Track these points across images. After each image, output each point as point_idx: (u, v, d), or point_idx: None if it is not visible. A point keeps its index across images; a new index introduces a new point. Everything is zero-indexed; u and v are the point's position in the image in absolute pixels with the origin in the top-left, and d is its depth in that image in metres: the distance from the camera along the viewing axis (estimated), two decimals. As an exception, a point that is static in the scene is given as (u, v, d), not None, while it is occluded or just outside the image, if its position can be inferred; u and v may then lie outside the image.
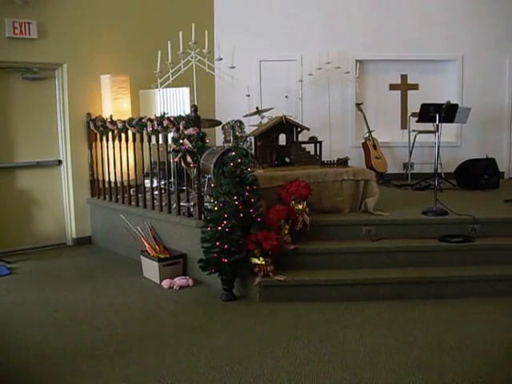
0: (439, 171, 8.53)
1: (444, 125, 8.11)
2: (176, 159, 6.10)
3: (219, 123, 8.14)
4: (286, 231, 5.78)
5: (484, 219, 6.25)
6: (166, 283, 5.99)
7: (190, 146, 5.88)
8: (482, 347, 4.35)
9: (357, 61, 9.99)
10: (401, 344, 4.43)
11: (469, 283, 5.59)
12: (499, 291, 5.54)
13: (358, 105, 9.95)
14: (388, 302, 5.38)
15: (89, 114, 7.85)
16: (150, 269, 6.27)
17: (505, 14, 10.08)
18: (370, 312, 5.14)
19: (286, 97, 9.49)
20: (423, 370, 3.98)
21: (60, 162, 7.89)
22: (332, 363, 4.11)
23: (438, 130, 6.74)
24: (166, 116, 6.32)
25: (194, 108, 5.97)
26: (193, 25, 7.19)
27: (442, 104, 6.95)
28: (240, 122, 8.22)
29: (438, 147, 6.81)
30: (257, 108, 8.38)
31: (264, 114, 8.30)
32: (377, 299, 5.43)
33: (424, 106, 7.78)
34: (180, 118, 6.05)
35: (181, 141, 5.96)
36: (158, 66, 7.36)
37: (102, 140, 7.78)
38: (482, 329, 4.72)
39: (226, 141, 8.08)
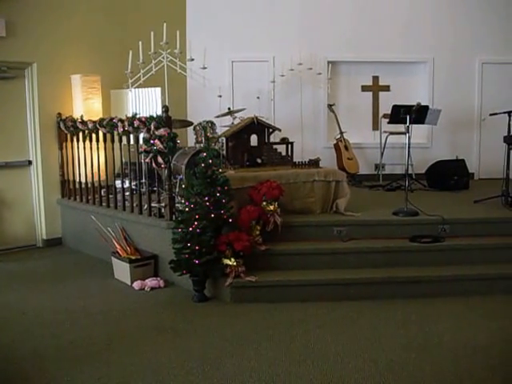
0: (410, 172, 8.62)
1: (415, 126, 8.21)
2: (147, 160, 6.07)
3: (191, 124, 8.12)
4: (258, 232, 5.78)
5: (454, 220, 6.34)
6: (137, 284, 5.95)
7: (161, 146, 5.85)
8: (451, 346, 4.40)
9: (329, 62, 10.04)
10: (371, 344, 4.46)
11: (438, 283, 5.66)
12: (468, 291, 5.61)
13: (329, 106, 9.99)
14: (358, 302, 5.41)
15: (59, 114, 7.77)
16: (121, 270, 6.22)
17: (475, 17, 10.22)
18: (340, 312, 5.17)
19: (258, 98, 9.49)
20: (393, 369, 4.01)
21: (30, 162, 7.79)
22: (303, 363, 4.12)
23: (408, 131, 6.80)
24: (136, 116, 6.30)
25: (165, 108, 5.96)
26: (164, 25, 7.16)
27: (413, 105, 7.02)
28: (212, 123, 8.23)
29: (409, 148, 6.87)
30: (229, 109, 8.38)
31: (236, 114, 8.30)
32: (347, 299, 5.45)
33: (395, 108, 7.84)
34: (151, 118, 6.03)
35: (152, 141, 5.93)
36: (130, 66, 7.32)
37: (72, 140, 7.71)
38: (450, 328, 4.77)
39: (197, 141, 8.08)
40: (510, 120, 7.26)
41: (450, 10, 10.19)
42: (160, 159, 5.94)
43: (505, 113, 7.35)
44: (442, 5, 10.18)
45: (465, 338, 4.55)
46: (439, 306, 5.31)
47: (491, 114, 7.80)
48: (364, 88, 10.55)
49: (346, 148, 9.71)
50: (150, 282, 5.99)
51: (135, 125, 6.22)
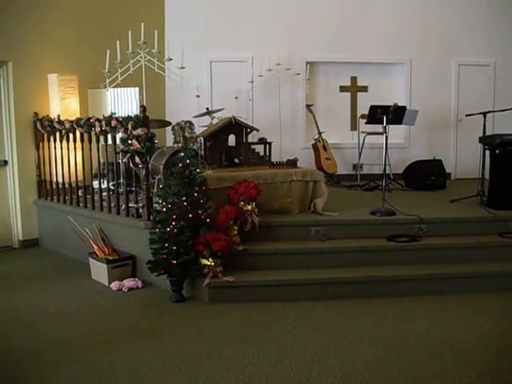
0: (388, 172, 8.67)
1: (393, 126, 8.28)
2: (124, 160, 6.04)
3: (169, 124, 8.09)
4: (235, 232, 5.79)
5: (430, 219, 6.40)
6: (114, 285, 5.92)
7: (139, 146, 5.83)
8: (427, 344, 4.45)
9: (307, 62, 10.08)
10: (348, 343, 4.49)
11: (415, 282, 5.71)
12: (444, 289, 5.67)
13: (308, 106, 10.02)
14: (336, 301, 5.44)
15: (36, 114, 7.69)
16: (99, 271, 6.19)
17: (452, 19, 10.33)
18: (318, 311, 5.20)
19: (236, 98, 9.49)
20: (370, 368, 4.04)
21: (6, 162, 7.70)
22: (280, 363, 4.13)
23: (385, 132, 6.84)
24: (114, 116, 6.26)
25: (143, 108, 5.93)
26: (142, 24, 7.13)
27: (390, 106, 7.06)
28: (190, 123, 8.16)
29: (386, 148, 6.92)
30: (207, 109, 8.37)
31: (214, 114, 8.30)
32: (325, 299, 5.48)
33: (372, 108, 7.89)
34: (128, 118, 5.99)
35: (129, 141, 5.91)
36: (107, 66, 7.28)
37: (49, 140, 7.64)
38: (427, 326, 4.82)
39: (175, 141, 8.01)
40: (485, 121, 7.35)
41: (428, 11, 10.28)
42: (137, 159, 5.91)
43: (480, 113, 7.44)
44: (419, 7, 10.27)
45: (441, 336, 4.60)
46: (416, 305, 5.35)
47: (467, 115, 7.89)
48: (342, 88, 10.60)
49: (324, 148, 9.74)
50: (128, 283, 5.96)
51: (112, 125, 6.19)
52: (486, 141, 7.18)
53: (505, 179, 6.94)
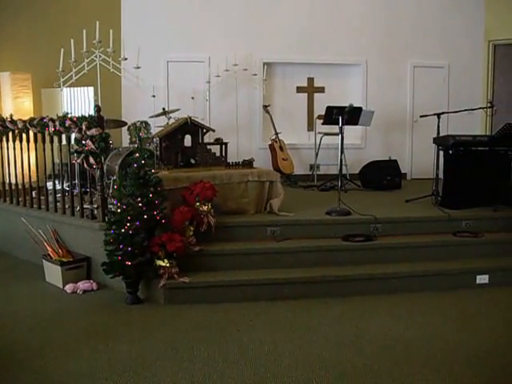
0: (344, 172, 8.76)
1: (349, 127, 8.37)
2: (78, 160, 5.97)
3: (125, 124, 8.04)
4: (191, 233, 5.77)
5: (385, 219, 6.48)
6: (69, 288, 5.84)
7: (93, 146, 5.77)
8: (382, 343, 4.50)
9: (264, 63, 10.10)
10: (304, 342, 4.51)
11: (371, 281, 5.78)
12: (399, 288, 5.75)
13: (265, 107, 10.04)
14: (292, 301, 5.46)
15: (-13, 113, 7.55)
16: (53, 273, 6.10)
17: (408, 22, 10.50)
18: (274, 312, 5.21)
19: (193, 98, 9.47)
20: (325, 366, 4.07)
21: (-44, 163, 7.55)
22: (236, 363, 4.13)
23: (341, 132, 6.90)
24: (68, 116, 6.18)
25: (97, 108, 5.86)
26: (97, 23, 7.07)
27: (346, 107, 7.12)
28: (146, 123, 8.16)
29: (342, 149, 6.98)
30: (163, 109, 8.33)
31: (171, 115, 8.27)
32: (281, 299, 5.49)
33: (328, 109, 7.96)
34: (82, 118, 5.92)
35: (83, 142, 5.84)
36: (61, 65, 7.18)
37: (1, 140, 7.48)
38: (382, 325, 4.88)
39: (131, 142, 7.99)
40: (439, 122, 7.47)
41: (384, 13, 10.42)
42: (92, 160, 5.85)
43: (434, 115, 7.56)
44: (375, 9, 10.39)
45: (396, 334, 4.67)
46: (372, 304, 5.41)
47: (421, 116, 8.01)
48: (299, 89, 10.66)
49: (281, 149, 9.78)
50: (83, 285, 5.88)
51: (66, 124, 6.10)
52: (440, 141, 7.30)
53: (458, 179, 7.06)
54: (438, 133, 7.45)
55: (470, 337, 4.64)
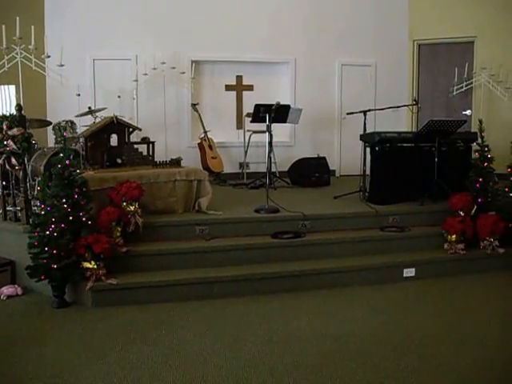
0: (274, 170, 8.80)
1: (278, 125, 8.42)
2: (0, 161, 5.79)
3: (49, 123, 7.84)
4: (118, 233, 5.70)
5: (313, 215, 6.56)
6: (-8, 293, 5.67)
7: (15, 147, 5.61)
8: (312, 339, 4.56)
9: (192, 61, 10.04)
10: (233, 340, 4.52)
11: (300, 277, 5.84)
12: (328, 283, 5.84)
13: (193, 105, 9.99)
14: (222, 300, 5.46)
15: None
16: (-26, 278, 5.90)
17: (336, 21, 10.63)
18: (204, 311, 5.20)
19: (119, 97, 9.33)
20: (255, 364, 4.09)
21: None
22: (165, 364, 4.10)
23: (269, 130, 6.94)
24: (-13, 115, 5.99)
25: (19, 107, 5.70)
26: (17, 18, 6.84)
27: (273, 105, 7.16)
28: (72, 123, 8.01)
29: (271, 146, 7.03)
30: (89, 108, 8.18)
31: (97, 114, 8.12)
32: (211, 298, 5.49)
33: (257, 107, 7.99)
34: (3, 117, 5.74)
35: (4, 142, 5.66)
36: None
37: None
38: (311, 320, 4.95)
39: (57, 142, 7.82)
40: (365, 119, 7.60)
41: (313, 12, 10.51)
42: (14, 160, 5.69)
43: (360, 112, 7.69)
44: (304, 7, 10.48)
45: (324, 329, 4.74)
46: (301, 300, 5.48)
47: (348, 113, 8.14)
48: (228, 87, 10.63)
49: (210, 147, 9.75)
50: (7, 290, 5.70)
51: (-14, 124, 5.92)
52: (366, 138, 7.42)
53: (384, 175, 7.20)
54: (365, 130, 7.58)
55: (397, 329, 4.75)
